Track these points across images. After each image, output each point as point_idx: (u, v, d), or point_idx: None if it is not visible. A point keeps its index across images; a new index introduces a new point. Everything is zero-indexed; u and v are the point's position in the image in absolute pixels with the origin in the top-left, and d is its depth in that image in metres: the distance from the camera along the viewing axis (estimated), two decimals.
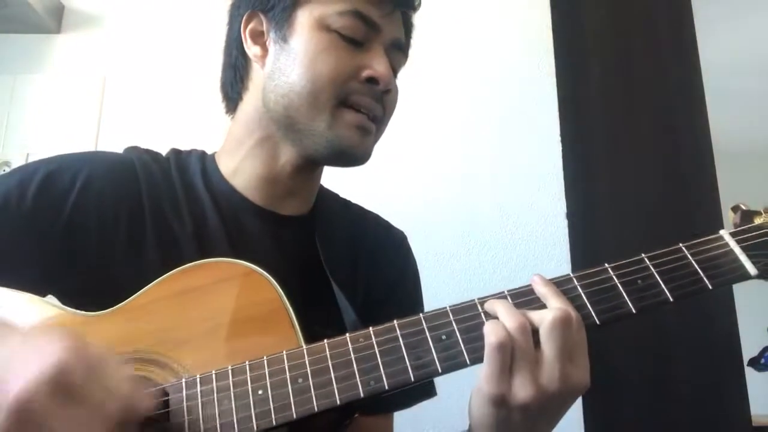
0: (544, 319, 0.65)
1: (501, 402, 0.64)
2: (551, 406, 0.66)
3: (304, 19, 0.88)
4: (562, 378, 0.64)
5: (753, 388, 1.67)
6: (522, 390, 0.63)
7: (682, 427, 1.61)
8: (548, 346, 0.64)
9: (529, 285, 0.71)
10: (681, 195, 1.81)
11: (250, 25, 0.93)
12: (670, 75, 1.94)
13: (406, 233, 1.10)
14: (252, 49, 0.92)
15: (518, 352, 0.64)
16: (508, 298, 0.70)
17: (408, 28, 0.98)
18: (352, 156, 0.89)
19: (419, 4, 0.97)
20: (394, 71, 0.95)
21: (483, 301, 0.70)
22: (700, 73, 1.95)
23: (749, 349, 1.97)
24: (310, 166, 0.93)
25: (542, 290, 0.69)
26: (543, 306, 0.68)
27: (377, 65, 0.87)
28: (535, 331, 0.65)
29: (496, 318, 0.67)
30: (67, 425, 0.54)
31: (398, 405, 0.97)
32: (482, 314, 0.68)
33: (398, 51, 0.94)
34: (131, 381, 0.61)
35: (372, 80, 0.87)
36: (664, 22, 2.00)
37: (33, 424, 0.53)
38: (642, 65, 1.95)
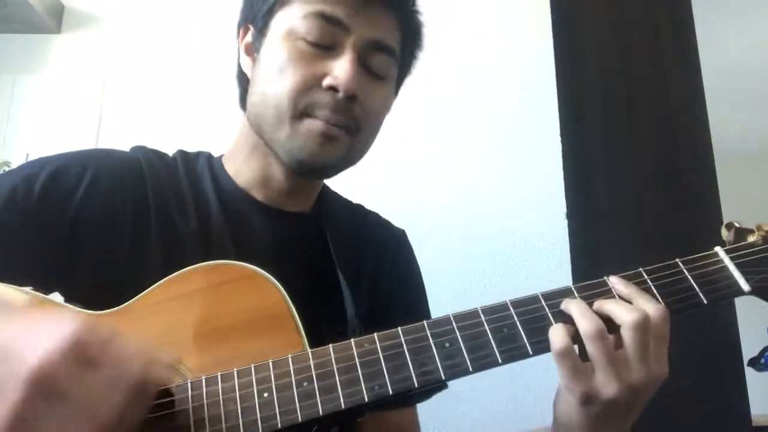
0: (636, 319, 0.66)
1: (588, 400, 0.66)
2: (639, 399, 0.68)
3: (275, 28, 0.88)
4: (648, 374, 0.66)
5: (753, 388, 1.68)
6: (609, 387, 0.65)
7: (682, 426, 1.61)
8: (634, 348, 0.66)
9: (592, 282, 0.72)
10: (681, 195, 1.81)
11: (245, 39, 0.95)
12: (670, 75, 1.94)
13: (405, 233, 1.10)
14: (244, 60, 0.95)
15: (595, 355, 0.66)
16: (574, 291, 0.71)
17: (407, 25, 0.93)
18: (311, 166, 0.87)
19: None
20: (378, 74, 0.89)
21: (485, 308, 0.71)
22: (700, 73, 1.95)
23: (749, 349, 1.96)
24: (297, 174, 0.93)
25: (626, 290, 0.71)
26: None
27: (338, 71, 0.83)
28: (615, 328, 0.67)
29: (565, 319, 0.69)
30: (87, 392, 0.54)
31: (419, 397, 0.99)
32: (484, 322, 0.69)
33: (379, 51, 0.88)
34: (145, 352, 0.61)
35: (332, 88, 0.84)
36: (664, 22, 2.00)
37: (54, 393, 0.53)
38: (642, 65, 1.95)
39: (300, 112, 0.85)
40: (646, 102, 1.91)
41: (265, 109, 0.87)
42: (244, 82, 0.97)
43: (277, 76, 0.85)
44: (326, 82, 0.84)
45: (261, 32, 0.90)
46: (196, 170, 0.95)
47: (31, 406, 0.52)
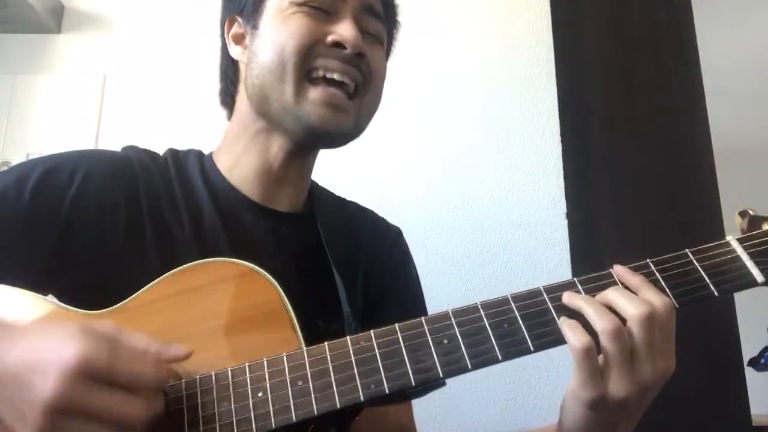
0: (643, 313, 0.64)
1: (599, 404, 0.64)
2: (647, 396, 0.66)
3: (270, 4, 0.90)
4: (656, 369, 0.64)
5: (753, 388, 1.68)
6: (622, 389, 0.63)
7: (682, 426, 1.61)
8: (642, 342, 0.64)
9: (596, 274, 0.71)
10: (681, 195, 1.81)
11: (232, 30, 0.97)
12: (670, 75, 1.94)
13: (406, 234, 1.11)
14: (234, 50, 0.96)
15: (613, 354, 0.63)
16: (578, 284, 0.69)
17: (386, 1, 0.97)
18: (325, 133, 0.88)
19: None
20: (375, 35, 0.94)
21: (485, 303, 0.69)
22: (700, 73, 1.94)
23: (749, 349, 1.96)
24: (301, 153, 0.94)
25: (634, 281, 0.68)
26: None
27: (342, 29, 0.87)
28: (622, 321, 0.65)
29: (575, 316, 0.66)
30: (108, 402, 0.55)
31: (416, 393, 0.98)
32: (484, 317, 0.68)
33: (371, 16, 0.93)
34: (147, 348, 0.61)
35: (338, 45, 0.87)
36: (664, 22, 1.99)
37: (75, 412, 0.54)
38: (642, 65, 1.95)
39: (307, 68, 0.86)
40: (646, 102, 1.91)
41: (269, 73, 0.87)
42: (230, 74, 0.98)
43: (278, 38, 0.87)
44: (331, 38, 0.87)
45: (254, 12, 0.92)
46: (186, 169, 0.95)
47: (56, 429, 0.54)
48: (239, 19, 0.95)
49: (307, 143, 0.92)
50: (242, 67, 0.95)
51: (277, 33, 0.87)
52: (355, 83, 0.89)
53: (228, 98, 1.00)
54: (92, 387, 0.55)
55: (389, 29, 1.00)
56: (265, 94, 0.89)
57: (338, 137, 0.91)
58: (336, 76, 0.87)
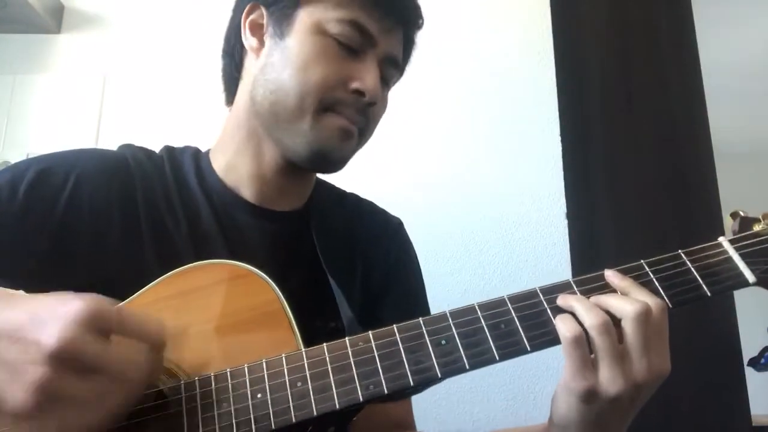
0: (637, 311, 0.65)
1: (591, 396, 0.65)
2: (641, 396, 0.66)
3: (303, 19, 0.89)
4: (649, 368, 0.65)
5: (753, 388, 1.67)
6: (613, 384, 0.64)
7: (682, 427, 1.61)
8: (636, 340, 0.65)
9: (592, 275, 0.71)
10: (681, 195, 1.81)
11: (251, 17, 0.94)
12: (670, 75, 1.94)
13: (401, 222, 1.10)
14: (249, 40, 0.94)
15: (602, 348, 0.64)
16: (573, 285, 0.70)
17: (408, 44, 0.98)
18: (329, 159, 0.90)
19: (422, 24, 0.98)
20: (387, 83, 0.96)
21: (482, 304, 0.69)
22: (700, 73, 1.94)
23: (749, 349, 1.96)
24: (294, 168, 0.93)
25: (622, 284, 0.69)
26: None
27: (367, 78, 0.88)
28: (616, 322, 0.66)
29: (567, 313, 0.67)
30: (116, 357, 0.55)
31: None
32: (481, 318, 0.68)
33: (392, 67, 0.94)
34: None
35: (359, 92, 0.88)
36: (664, 22, 1.99)
37: (80, 364, 0.53)
38: (642, 65, 1.95)
39: (324, 106, 0.87)
40: (646, 102, 1.91)
41: (286, 97, 0.87)
42: (237, 58, 0.97)
43: (304, 67, 0.87)
44: (355, 85, 0.87)
45: (283, 18, 0.91)
46: (182, 168, 0.95)
47: (58, 382, 0.52)
48: (262, 9, 0.94)
49: (303, 165, 0.92)
50: (251, 61, 0.94)
51: (305, 60, 0.87)
52: (359, 128, 0.91)
53: (231, 83, 0.98)
54: (101, 338, 0.55)
55: (404, 65, 1.01)
56: (277, 112, 0.88)
57: (336, 163, 0.92)
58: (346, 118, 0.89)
